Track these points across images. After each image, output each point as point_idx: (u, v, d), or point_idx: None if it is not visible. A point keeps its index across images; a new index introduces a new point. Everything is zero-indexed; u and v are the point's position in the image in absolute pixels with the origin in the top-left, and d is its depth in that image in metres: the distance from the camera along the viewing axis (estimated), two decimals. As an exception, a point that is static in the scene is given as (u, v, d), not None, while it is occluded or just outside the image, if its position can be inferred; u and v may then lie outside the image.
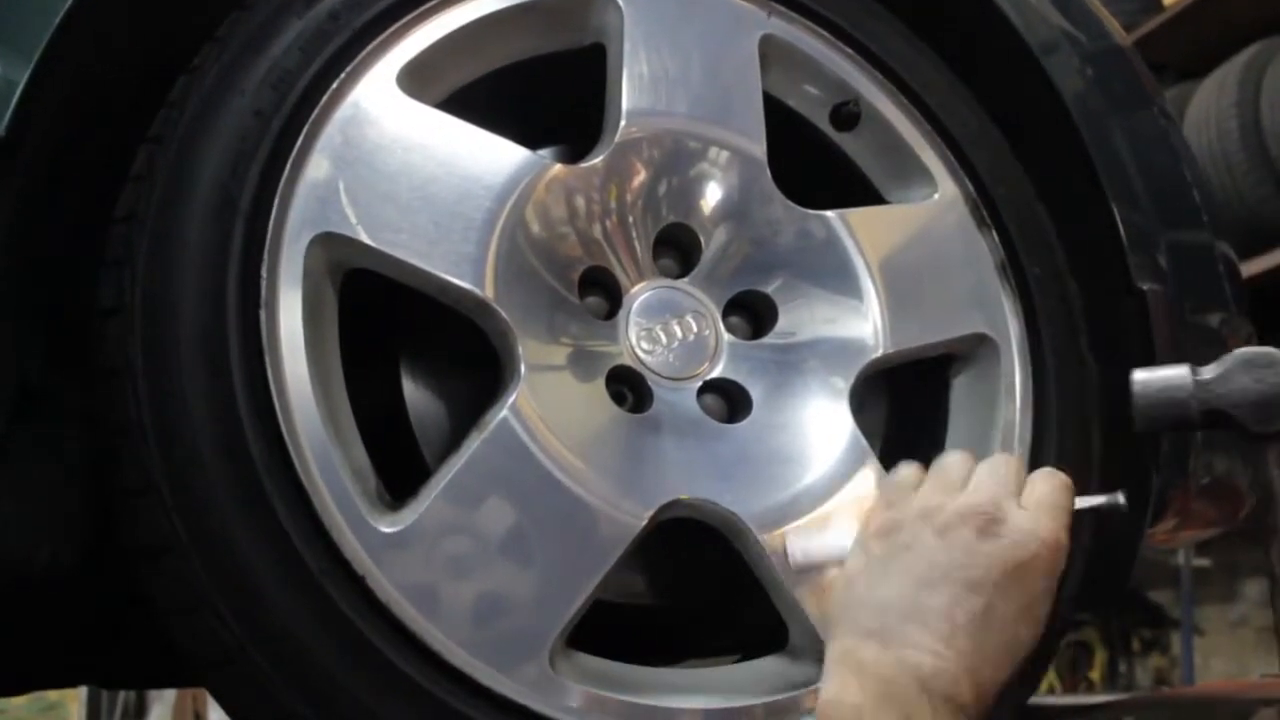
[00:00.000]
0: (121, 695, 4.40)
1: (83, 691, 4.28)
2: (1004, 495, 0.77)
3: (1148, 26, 4.07)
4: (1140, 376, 0.93)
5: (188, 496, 0.81)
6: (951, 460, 0.83)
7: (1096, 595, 1.23)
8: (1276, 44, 3.72)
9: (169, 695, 4.17)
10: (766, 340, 1.06)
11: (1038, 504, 0.77)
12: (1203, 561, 4.42)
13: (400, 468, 0.95)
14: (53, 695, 4.16)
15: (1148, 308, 1.24)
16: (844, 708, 0.71)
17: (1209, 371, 0.92)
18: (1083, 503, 0.84)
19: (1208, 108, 3.69)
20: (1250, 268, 3.28)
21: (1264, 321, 1.60)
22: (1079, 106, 1.26)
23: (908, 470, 0.86)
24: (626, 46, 1.04)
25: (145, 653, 1.28)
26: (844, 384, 1.05)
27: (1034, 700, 1.16)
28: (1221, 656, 4.65)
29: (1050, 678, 4.50)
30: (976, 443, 1.12)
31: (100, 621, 1.22)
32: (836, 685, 0.73)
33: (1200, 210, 1.43)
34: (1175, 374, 0.93)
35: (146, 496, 0.82)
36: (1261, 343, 1.62)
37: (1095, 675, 4.66)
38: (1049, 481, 0.80)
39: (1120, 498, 0.89)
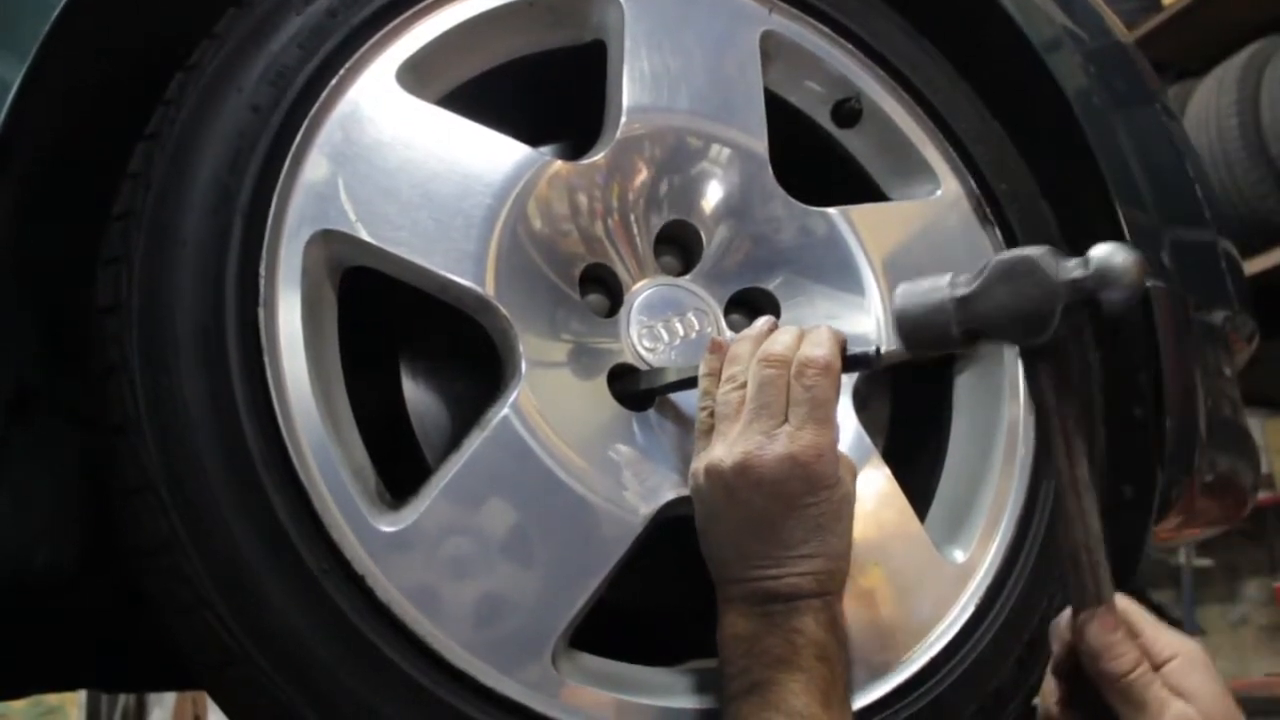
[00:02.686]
0: (121, 699, 4.39)
1: (82, 695, 4.27)
2: (765, 429, 0.87)
3: (1147, 25, 4.08)
4: (903, 293, 0.88)
5: (186, 495, 0.80)
6: (727, 399, 0.90)
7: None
8: (1276, 43, 3.72)
9: (169, 699, 4.16)
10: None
11: (798, 421, 0.87)
12: (1204, 561, 4.42)
13: (401, 467, 0.94)
14: (52, 699, 4.15)
15: (1151, 304, 1.23)
16: (734, 636, 0.87)
17: (966, 285, 0.86)
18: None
19: (1207, 106, 3.69)
20: (1250, 266, 3.27)
21: (1265, 321, 1.60)
22: (1082, 103, 1.26)
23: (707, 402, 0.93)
24: (627, 43, 1.03)
25: (144, 655, 1.28)
26: (846, 381, 1.04)
27: (1038, 701, 1.16)
28: (1222, 656, 4.64)
29: (1052, 678, 4.48)
30: (980, 440, 1.11)
31: (99, 624, 1.21)
32: (724, 621, 0.89)
33: (1203, 207, 1.42)
34: (934, 291, 0.87)
35: (144, 495, 0.81)
36: (1261, 341, 1.62)
37: (1097, 675, 4.65)
38: (802, 381, 0.88)
39: (873, 350, 0.92)
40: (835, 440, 0.89)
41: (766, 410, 0.88)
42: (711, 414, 0.91)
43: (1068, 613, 0.89)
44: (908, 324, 0.88)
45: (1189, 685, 0.84)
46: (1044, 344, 0.84)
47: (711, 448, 0.90)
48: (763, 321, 0.96)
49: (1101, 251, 0.83)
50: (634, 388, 0.97)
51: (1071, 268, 0.83)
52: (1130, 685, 0.84)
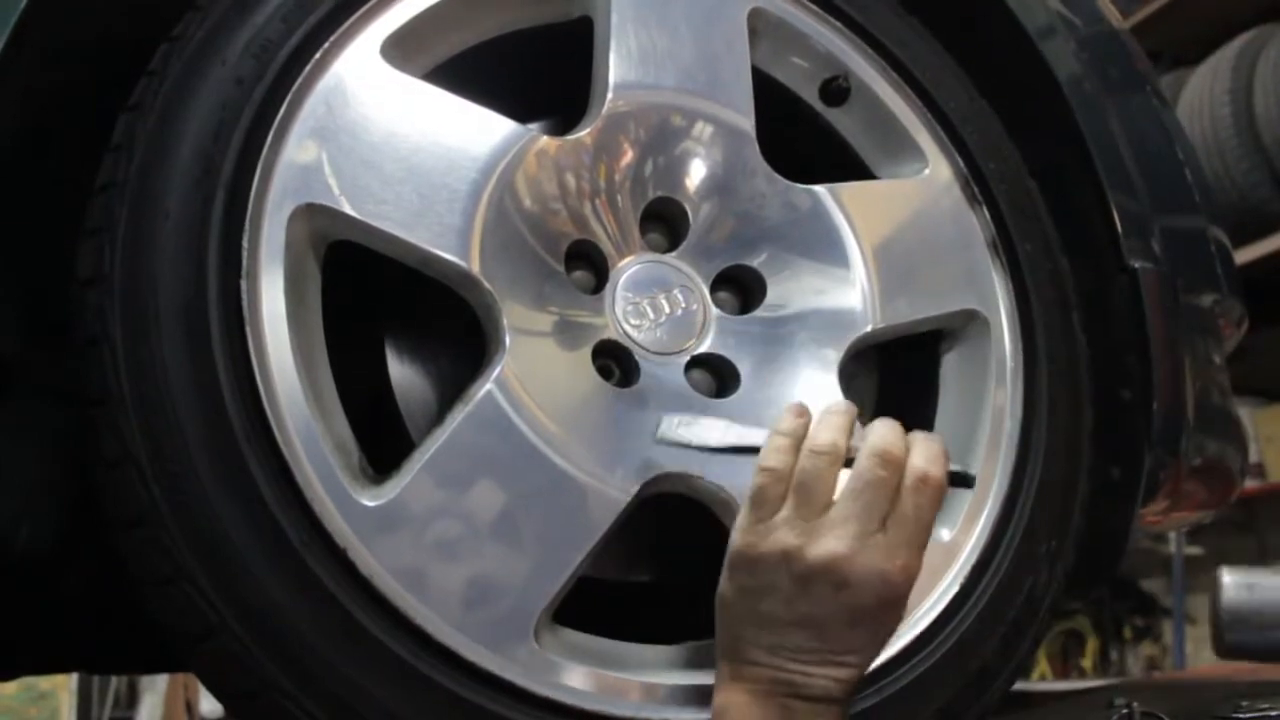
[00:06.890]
0: (113, 685, 4.40)
1: (74, 681, 4.27)
2: (861, 533, 0.81)
3: (1142, 14, 4.07)
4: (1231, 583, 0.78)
5: (166, 467, 0.80)
6: (815, 471, 0.83)
7: (1089, 577, 1.23)
8: (1269, 31, 3.72)
9: (160, 684, 4.17)
10: (755, 314, 1.05)
11: (898, 537, 0.82)
12: (1195, 550, 4.42)
13: (386, 442, 0.94)
14: (43, 683, 4.16)
15: (1140, 286, 1.23)
16: (732, 714, 0.82)
17: None
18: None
19: (1201, 95, 3.69)
20: (1242, 255, 3.28)
21: (1256, 310, 1.60)
22: (1074, 89, 1.25)
23: (777, 460, 0.84)
24: (614, 19, 1.03)
25: (134, 635, 1.27)
26: (833, 357, 1.04)
27: (1024, 686, 1.15)
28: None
29: (1041, 665, 4.50)
30: (966, 419, 1.11)
31: (86, 604, 1.20)
32: (724, 695, 0.84)
33: (1193, 191, 1.42)
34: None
35: (124, 467, 0.81)
36: (1251, 330, 1.62)
37: (1087, 663, 4.67)
38: (916, 498, 0.82)
39: (971, 470, 0.88)
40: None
41: (868, 513, 0.81)
42: (780, 480, 0.84)
43: None
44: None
45: None
46: None
47: (779, 529, 0.82)
48: (846, 406, 0.89)
49: None
50: (677, 441, 0.93)
51: None
52: None
